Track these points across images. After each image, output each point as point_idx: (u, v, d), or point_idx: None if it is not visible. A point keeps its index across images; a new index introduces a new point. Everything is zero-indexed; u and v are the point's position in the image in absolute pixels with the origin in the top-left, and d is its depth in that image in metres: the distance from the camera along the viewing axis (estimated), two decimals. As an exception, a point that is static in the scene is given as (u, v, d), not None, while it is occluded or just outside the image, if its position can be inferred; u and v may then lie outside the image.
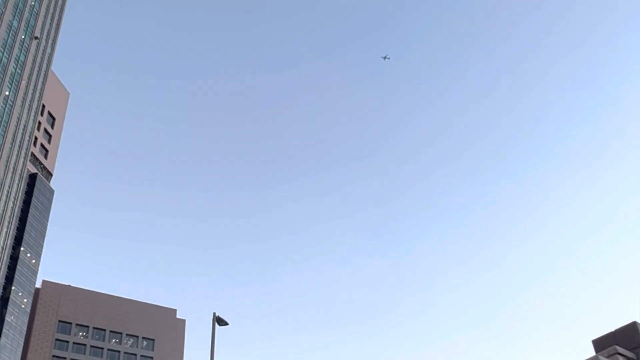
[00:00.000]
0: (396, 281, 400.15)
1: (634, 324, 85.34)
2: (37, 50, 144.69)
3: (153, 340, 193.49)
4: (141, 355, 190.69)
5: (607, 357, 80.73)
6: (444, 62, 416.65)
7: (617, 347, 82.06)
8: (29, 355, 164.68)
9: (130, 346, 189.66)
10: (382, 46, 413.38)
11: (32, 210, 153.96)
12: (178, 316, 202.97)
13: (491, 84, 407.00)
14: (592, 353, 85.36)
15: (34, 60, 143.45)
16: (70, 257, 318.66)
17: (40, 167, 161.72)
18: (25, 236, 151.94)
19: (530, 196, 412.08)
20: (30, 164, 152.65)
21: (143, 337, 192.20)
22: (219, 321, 40.51)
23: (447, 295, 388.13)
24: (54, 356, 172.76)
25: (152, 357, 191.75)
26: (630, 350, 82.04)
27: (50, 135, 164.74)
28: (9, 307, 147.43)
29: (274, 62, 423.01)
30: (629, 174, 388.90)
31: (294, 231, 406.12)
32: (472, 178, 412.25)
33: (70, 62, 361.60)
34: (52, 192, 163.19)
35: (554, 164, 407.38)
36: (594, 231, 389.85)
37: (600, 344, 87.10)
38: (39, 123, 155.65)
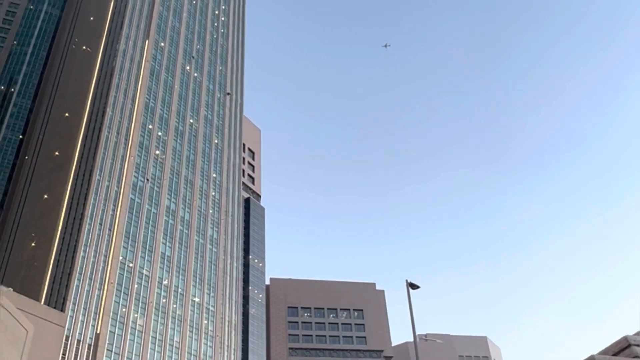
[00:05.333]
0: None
1: None
2: (230, 103, 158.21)
3: (362, 310, 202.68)
4: (354, 324, 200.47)
5: None
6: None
7: None
8: (272, 337, 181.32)
9: (345, 318, 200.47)
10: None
11: (251, 226, 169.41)
12: (377, 288, 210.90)
13: None
14: None
15: (230, 111, 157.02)
16: (286, 255, 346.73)
17: (251, 192, 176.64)
18: (251, 247, 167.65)
19: None
20: (243, 191, 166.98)
21: (353, 309, 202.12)
22: (412, 286, 39.62)
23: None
24: (289, 335, 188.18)
25: (363, 324, 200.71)
26: None
27: (253, 166, 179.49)
28: (250, 303, 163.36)
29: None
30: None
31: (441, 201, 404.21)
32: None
33: (256, 104, 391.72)
34: (263, 209, 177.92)
35: None
36: None
37: None
38: (243, 158, 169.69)
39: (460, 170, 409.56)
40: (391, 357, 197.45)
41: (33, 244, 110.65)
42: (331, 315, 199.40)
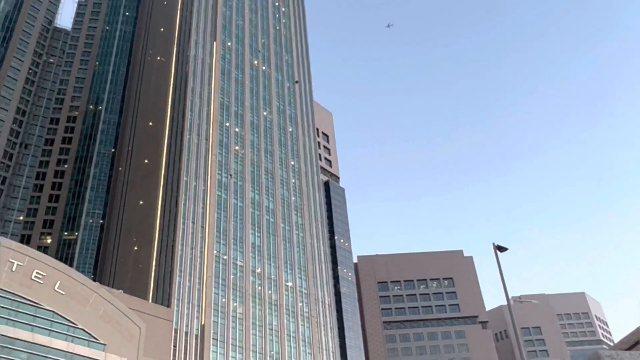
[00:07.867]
0: None
1: None
2: (300, 90, 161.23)
3: (451, 278, 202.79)
4: (446, 292, 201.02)
5: None
6: None
7: None
8: (365, 313, 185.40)
9: (435, 287, 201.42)
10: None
11: (334, 207, 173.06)
12: (465, 255, 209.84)
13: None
14: None
15: (300, 98, 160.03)
16: (369, 232, 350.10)
17: (329, 175, 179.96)
18: (335, 228, 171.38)
19: None
20: (322, 175, 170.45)
21: (443, 278, 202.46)
22: (500, 248, 39.24)
23: None
24: (382, 309, 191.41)
25: (454, 292, 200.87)
26: None
27: (328, 149, 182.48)
28: (340, 282, 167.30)
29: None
30: None
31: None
32: None
33: (324, 89, 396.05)
34: (343, 190, 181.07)
35: None
36: None
37: None
38: (318, 142, 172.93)
39: (546, 127, 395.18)
40: (486, 321, 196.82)
41: (136, 248, 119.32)
42: (421, 286, 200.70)
